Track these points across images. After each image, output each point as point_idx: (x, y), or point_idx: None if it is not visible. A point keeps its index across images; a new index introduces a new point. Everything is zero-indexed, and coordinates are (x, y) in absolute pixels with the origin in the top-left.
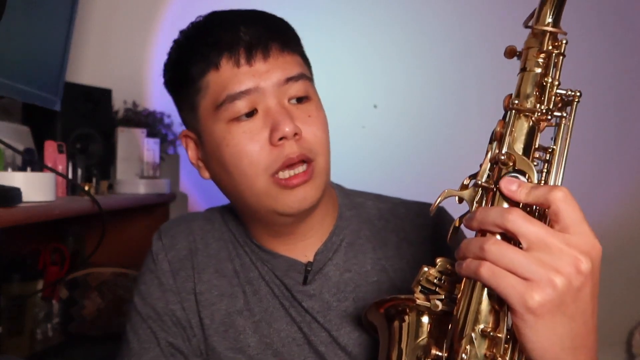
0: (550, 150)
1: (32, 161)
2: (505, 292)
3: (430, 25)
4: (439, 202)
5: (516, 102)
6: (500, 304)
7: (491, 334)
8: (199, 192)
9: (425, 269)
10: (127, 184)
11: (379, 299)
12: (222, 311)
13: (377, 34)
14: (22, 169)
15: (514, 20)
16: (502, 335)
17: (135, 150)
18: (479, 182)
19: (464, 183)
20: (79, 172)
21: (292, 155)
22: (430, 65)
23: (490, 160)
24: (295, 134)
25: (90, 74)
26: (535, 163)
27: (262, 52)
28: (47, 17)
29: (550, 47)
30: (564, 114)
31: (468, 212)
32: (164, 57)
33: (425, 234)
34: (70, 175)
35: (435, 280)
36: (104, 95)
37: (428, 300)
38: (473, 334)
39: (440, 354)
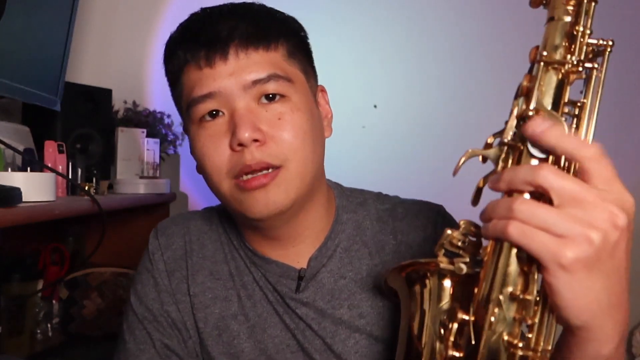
0: (580, 104)
1: (32, 161)
2: (538, 250)
3: (430, 25)
4: (463, 162)
5: (544, 53)
6: (529, 265)
7: (520, 296)
8: (199, 192)
9: (449, 231)
10: (127, 184)
11: (400, 264)
12: (215, 315)
13: (377, 34)
14: (22, 169)
15: (513, 20)
16: (531, 297)
17: (135, 150)
18: (505, 140)
19: (488, 142)
20: (79, 172)
21: (249, 162)
22: (430, 65)
23: (517, 117)
24: (256, 140)
25: (90, 74)
26: (564, 118)
27: (220, 54)
28: (47, 17)
29: None
30: (596, 65)
31: (492, 171)
32: None
33: (424, 235)
34: (70, 175)
35: (459, 243)
36: (104, 95)
37: (452, 263)
38: (501, 297)
39: (467, 317)
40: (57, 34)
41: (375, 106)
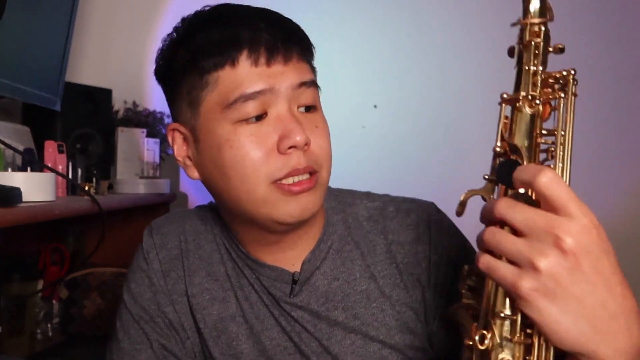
0: (554, 132)
1: (32, 161)
2: (500, 282)
3: (430, 25)
4: (463, 202)
5: (504, 95)
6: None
7: (507, 318)
8: (199, 192)
9: (466, 267)
10: (127, 184)
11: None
12: (214, 316)
13: (377, 34)
14: (22, 169)
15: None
16: (516, 317)
17: (135, 150)
18: (486, 177)
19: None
20: (79, 172)
21: (299, 166)
22: (430, 66)
23: (494, 154)
24: (305, 144)
25: (90, 74)
26: (543, 148)
27: (283, 55)
28: (47, 17)
29: (528, 38)
30: (561, 95)
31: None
32: None
33: (416, 233)
34: (70, 175)
35: (474, 277)
36: (104, 95)
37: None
38: (492, 320)
39: (470, 343)
40: (57, 34)
41: (375, 106)
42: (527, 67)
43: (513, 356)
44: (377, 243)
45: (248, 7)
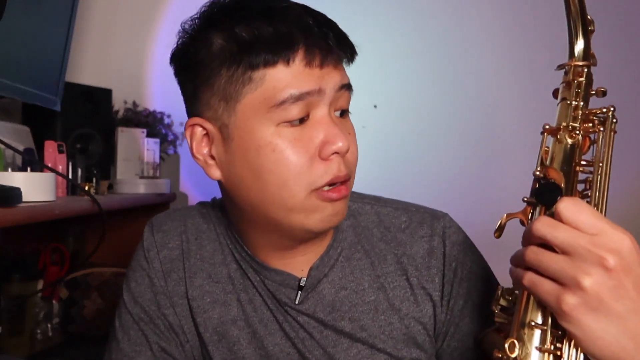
0: (592, 162)
1: (32, 161)
2: (543, 299)
3: (430, 26)
4: (503, 225)
5: (547, 126)
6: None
7: (538, 328)
8: (199, 192)
9: (499, 291)
10: (127, 184)
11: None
12: (214, 319)
13: (377, 34)
14: (22, 169)
15: (513, 20)
16: (547, 327)
17: (135, 150)
18: (525, 199)
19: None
20: (79, 172)
21: (340, 173)
22: (430, 65)
23: (535, 179)
24: (347, 151)
25: (90, 74)
26: (581, 177)
27: (336, 57)
28: (47, 17)
29: (572, 77)
30: (601, 129)
31: (520, 212)
32: (164, 57)
33: (430, 246)
34: (70, 175)
35: (509, 297)
36: (104, 95)
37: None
38: (522, 330)
39: (500, 355)
40: (57, 34)
41: (375, 106)
42: (569, 102)
43: None
44: (387, 253)
45: (294, 4)
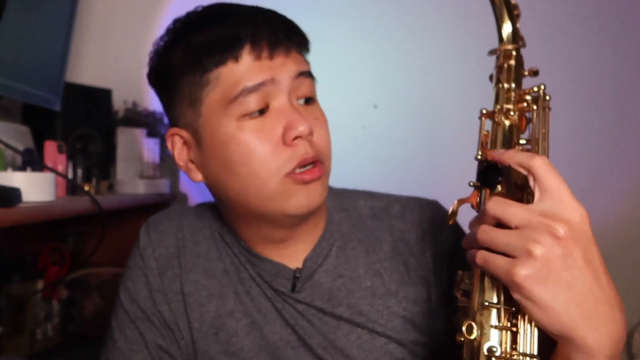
0: (530, 140)
1: (32, 161)
2: (495, 273)
3: (430, 25)
4: (455, 212)
5: (484, 111)
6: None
7: (493, 307)
8: (199, 192)
9: (460, 272)
10: (127, 184)
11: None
12: (211, 313)
13: (377, 34)
14: (22, 169)
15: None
16: (500, 306)
17: (135, 150)
18: (471, 184)
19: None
20: (79, 172)
21: (307, 155)
22: (430, 65)
23: (478, 164)
24: (309, 134)
25: (90, 74)
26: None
27: (285, 47)
28: (47, 17)
29: (502, 61)
30: (534, 107)
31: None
32: None
33: (422, 231)
34: (70, 175)
35: (468, 281)
36: (104, 95)
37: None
38: (478, 311)
39: (462, 339)
40: (57, 34)
41: (375, 106)
42: (502, 85)
43: (500, 344)
44: (382, 240)
45: (244, 6)
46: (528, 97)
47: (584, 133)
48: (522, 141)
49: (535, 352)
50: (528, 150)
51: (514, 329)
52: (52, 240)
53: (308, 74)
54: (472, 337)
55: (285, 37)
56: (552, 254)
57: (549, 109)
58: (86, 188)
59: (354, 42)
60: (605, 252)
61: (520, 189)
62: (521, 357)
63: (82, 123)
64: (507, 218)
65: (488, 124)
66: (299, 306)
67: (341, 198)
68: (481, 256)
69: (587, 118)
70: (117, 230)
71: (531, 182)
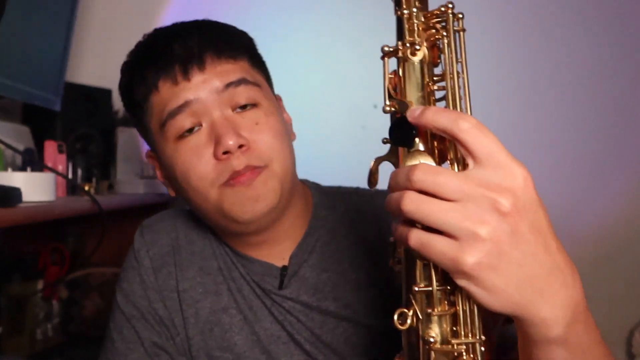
0: (443, 75)
1: (32, 161)
2: (438, 260)
3: None
4: (375, 171)
5: (385, 48)
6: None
7: (426, 290)
8: None
9: (392, 239)
10: (127, 184)
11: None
12: (206, 309)
13: (376, 33)
14: (22, 169)
15: (514, 20)
16: (432, 288)
17: (135, 150)
18: (385, 140)
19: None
20: (79, 172)
21: (238, 168)
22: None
23: (390, 116)
24: (241, 146)
25: (90, 74)
26: (438, 96)
27: (197, 65)
28: (47, 17)
29: None
30: (444, 34)
31: (387, 154)
32: None
33: None
34: (70, 175)
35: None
36: (104, 95)
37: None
38: (411, 295)
39: (396, 327)
40: (57, 34)
41: (375, 106)
42: (401, 12)
43: (442, 330)
44: (368, 233)
45: (169, 28)
46: (437, 21)
47: (584, 133)
48: (436, 77)
49: (478, 333)
50: (443, 89)
51: (453, 310)
52: (52, 240)
53: (239, 82)
54: (406, 327)
55: (200, 51)
56: (500, 234)
57: (464, 30)
58: (86, 188)
59: (355, 41)
60: (605, 252)
61: (443, 140)
62: (464, 345)
63: (82, 123)
64: (440, 191)
65: (394, 65)
66: (286, 304)
67: (328, 195)
68: (418, 239)
69: (587, 118)
70: (117, 230)
71: (460, 149)
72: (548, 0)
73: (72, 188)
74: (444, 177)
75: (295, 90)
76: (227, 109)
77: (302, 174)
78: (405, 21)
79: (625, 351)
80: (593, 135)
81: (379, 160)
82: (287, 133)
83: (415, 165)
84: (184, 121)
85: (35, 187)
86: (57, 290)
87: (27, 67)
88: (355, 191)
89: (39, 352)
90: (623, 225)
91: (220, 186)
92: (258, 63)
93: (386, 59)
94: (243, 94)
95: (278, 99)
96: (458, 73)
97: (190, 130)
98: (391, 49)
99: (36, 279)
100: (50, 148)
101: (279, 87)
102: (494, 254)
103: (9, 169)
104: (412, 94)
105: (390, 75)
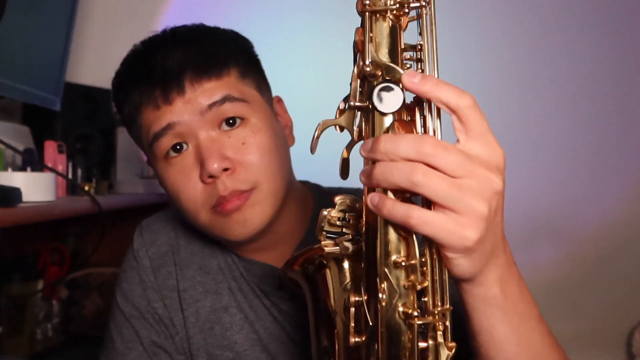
0: (419, 47)
1: (32, 161)
2: (438, 237)
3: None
4: (318, 136)
5: (367, 2)
6: (406, 231)
7: (403, 263)
8: None
9: (325, 212)
10: (127, 184)
11: (291, 256)
12: (207, 308)
13: None
14: (22, 169)
15: (514, 20)
16: (416, 261)
17: (135, 150)
18: (353, 104)
19: (340, 107)
20: (79, 172)
21: (223, 193)
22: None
23: (358, 76)
24: (226, 169)
25: (90, 74)
26: (408, 65)
27: (176, 88)
28: (47, 17)
29: None
30: (423, 3)
31: (352, 140)
32: None
33: None
34: (70, 175)
35: (338, 222)
36: (104, 95)
37: (336, 245)
38: (386, 269)
39: (359, 298)
40: (57, 34)
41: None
42: None
43: (418, 303)
44: None
45: (149, 45)
46: None
47: (584, 133)
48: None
49: (448, 301)
50: (419, 61)
51: (426, 282)
52: (52, 240)
53: (223, 100)
54: (384, 303)
55: (174, 74)
56: (491, 211)
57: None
58: (86, 188)
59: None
60: (605, 252)
61: (409, 109)
62: (437, 315)
63: (82, 123)
64: (446, 167)
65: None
66: (284, 305)
67: (328, 195)
68: (416, 215)
69: (588, 118)
70: (117, 230)
71: (455, 124)
72: (548, 0)
73: (72, 188)
74: (451, 153)
75: (295, 89)
76: (212, 129)
77: (302, 174)
78: None
79: (625, 351)
80: (593, 135)
81: (326, 124)
82: (278, 146)
83: (423, 137)
84: (169, 142)
85: (35, 187)
86: (57, 290)
87: (27, 67)
88: (357, 191)
89: (38, 352)
90: (623, 225)
91: (209, 209)
92: (251, 70)
93: (367, 15)
94: (228, 111)
95: (278, 100)
96: (435, 47)
97: (177, 150)
98: (378, 8)
99: (36, 279)
100: (50, 148)
101: (279, 87)
102: (487, 229)
103: (9, 169)
104: (387, 58)
105: (371, 34)
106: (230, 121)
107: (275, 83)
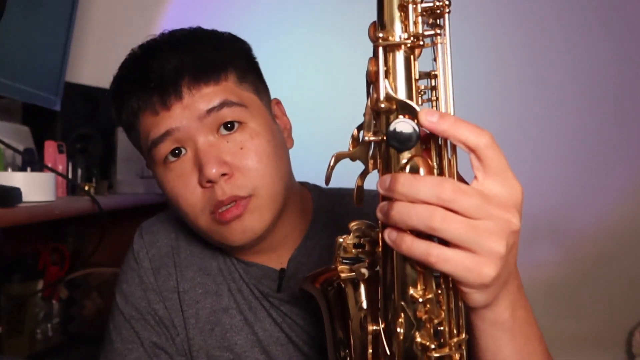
0: (433, 74)
1: (32, 161)
2: (458, 274)
3: None
4: (332, 167)
5: (381, 35)
6: (423, 266)
7: (420, 300)
8: None
9: (340, 239)
10: (127, 184)
11: (311, 274)
12: (207, 309)
13: None
14: (22, 169)
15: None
16: (432, 295)
17: (135, 150)
18: (367, 139)
19: (353, 135)
20: (79, 172)
21: (222, 198)
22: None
23: (372, 109)
24: (224, 174)
25: (90, 74)
26: (423, 92)
27: (174, 94)
28: (47, 17)
29: None
30: (437, 31)
31: (365, 169)
32: None
33: None
34: (70, 175)
35: (353, 250)
36: (104, 95)
37: (352, 271)
38: (403, 303)
39: (377, 327)
40: (57, 34)
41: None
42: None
43: (424, 335)
44: None
45: (147, 49)
46: (430, 14)
47: (585, 133)
48: (427, 91)
49: (464, 330)
50: (433, 89)
51: (443, 314)
52: (52, 240)
53: (222, 105)
54: (401, 337)
55: (172, 79)
56: (508, 249)
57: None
58: (86, 188)
59: (356, 41)
60: (605, 253)
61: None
62: (455, 345)
63: (82, 123)
64: (465, 210)
65: None
66: (283, 307)
67: (329, 198)
68: (437, 254)
69: (588, 118)
70: (117, 230)
71: (474, 162)
72: (548, 1)
73: (72, 188)
74: (470, 197)
75: (294, 90)
76: (211, 134)
77: (302, 174)
78: (410, 10)
79: (625, 351)
80: (594, 135)
81: (341, 156)
82: (276, 150)
83: (442, 181)
84: (167, 148)
85: (35, 187)
86: (57, 290)
87: (27, 67)
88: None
89: (38, 352)
90: (623, 225)
91: (209, 214)
92: (249, 73)
93: (380, 49)
94: (227, 116)
95: (276, 102)
96: (450, 76)
97: (176, 154)
98: (393, 42)
99: (36, 279)
100: (50, 148)
101: (278, 88)
102: (505, 266)
103: (9, 169)
104: (402, 90)
105: (385, 68)
106: (229, 125)
107: (274, 85)
